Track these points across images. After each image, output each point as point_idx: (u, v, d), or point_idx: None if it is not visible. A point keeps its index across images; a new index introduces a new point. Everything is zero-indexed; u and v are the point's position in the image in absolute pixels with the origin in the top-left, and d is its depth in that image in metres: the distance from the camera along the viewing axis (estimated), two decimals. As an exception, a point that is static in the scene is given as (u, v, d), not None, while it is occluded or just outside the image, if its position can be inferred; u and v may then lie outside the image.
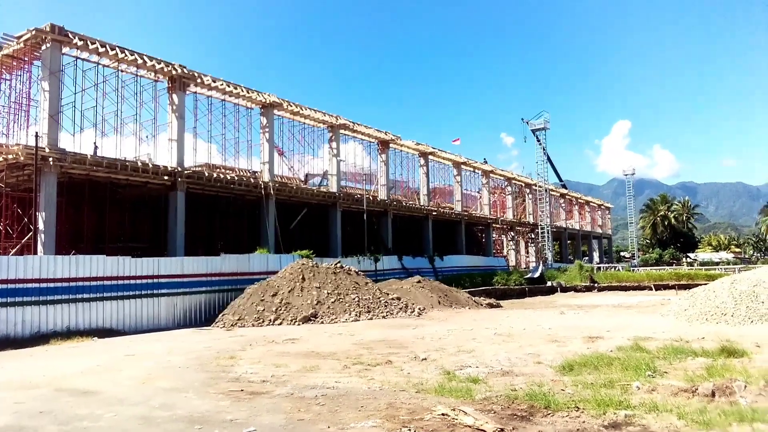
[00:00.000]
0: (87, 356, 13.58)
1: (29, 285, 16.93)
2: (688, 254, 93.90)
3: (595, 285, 42.88)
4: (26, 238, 23.19)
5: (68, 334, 17.19)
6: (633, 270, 53.52)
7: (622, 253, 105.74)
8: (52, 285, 17.43)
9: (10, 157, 22.90)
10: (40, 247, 22.47)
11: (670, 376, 9.14)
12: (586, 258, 77.60)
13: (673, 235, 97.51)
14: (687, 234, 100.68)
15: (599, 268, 54.91)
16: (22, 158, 22.58)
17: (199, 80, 30.07)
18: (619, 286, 42.07)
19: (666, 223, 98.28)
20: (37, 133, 22.47)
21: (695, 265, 74.02)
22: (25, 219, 23.78)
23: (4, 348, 15.37)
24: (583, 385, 8.70)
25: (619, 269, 55.49)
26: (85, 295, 18.23)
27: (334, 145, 39.61)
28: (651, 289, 40.34)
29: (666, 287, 40.02)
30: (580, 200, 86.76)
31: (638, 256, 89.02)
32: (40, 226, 22.73)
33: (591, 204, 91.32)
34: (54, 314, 17.43)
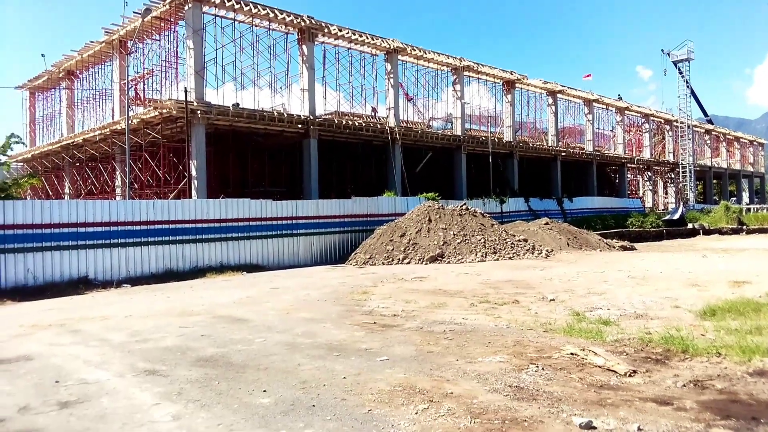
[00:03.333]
0: (237, 289, 15.10)
1: (187, 225, 19.08)
2: None
3: (744, 227, 38.99)
4: (182, 183, 25.82)
5: (221, 268, 19.22)
6: (792, 211, 47.88)
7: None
8: (206, 225, 19.49)
9: (164, 111, 25.39)
10: (194, 192, 25.00)
11: (831, 325, 8.33)
12: (734, 199, 70.48)
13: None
14: None
15: (749, 210, 49.75)
16: (174, 112, 24.95)
17: (326, 30, 30.82)
18: (772, 229, 38.01)
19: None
20: (186, 88, 24.61)
21: None
22: (180, 167, 26.39)
23: (169, 280, 17.59)
24: (726, 330, 8.19)
25: (773, 211, 49.95)
26: (234, 234, 20.17)
27: (457, 87, 39.00)
28: (813, 232, 36.05)
29: (832, 229, 35.56)
30: (728, 136, 78.13)
31: (799, 196, 79.24)
32: (193, 173, 25.22)
33: (741, 140, 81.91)
34: (208, 251, 19.54)
